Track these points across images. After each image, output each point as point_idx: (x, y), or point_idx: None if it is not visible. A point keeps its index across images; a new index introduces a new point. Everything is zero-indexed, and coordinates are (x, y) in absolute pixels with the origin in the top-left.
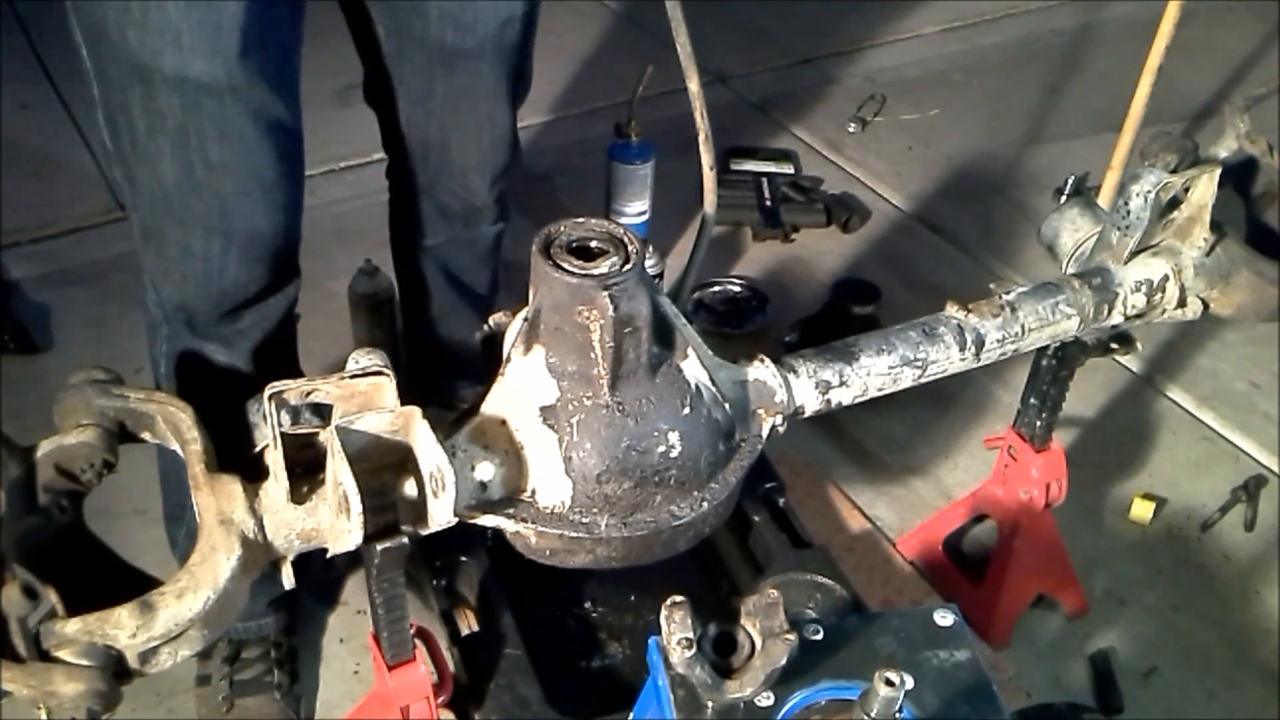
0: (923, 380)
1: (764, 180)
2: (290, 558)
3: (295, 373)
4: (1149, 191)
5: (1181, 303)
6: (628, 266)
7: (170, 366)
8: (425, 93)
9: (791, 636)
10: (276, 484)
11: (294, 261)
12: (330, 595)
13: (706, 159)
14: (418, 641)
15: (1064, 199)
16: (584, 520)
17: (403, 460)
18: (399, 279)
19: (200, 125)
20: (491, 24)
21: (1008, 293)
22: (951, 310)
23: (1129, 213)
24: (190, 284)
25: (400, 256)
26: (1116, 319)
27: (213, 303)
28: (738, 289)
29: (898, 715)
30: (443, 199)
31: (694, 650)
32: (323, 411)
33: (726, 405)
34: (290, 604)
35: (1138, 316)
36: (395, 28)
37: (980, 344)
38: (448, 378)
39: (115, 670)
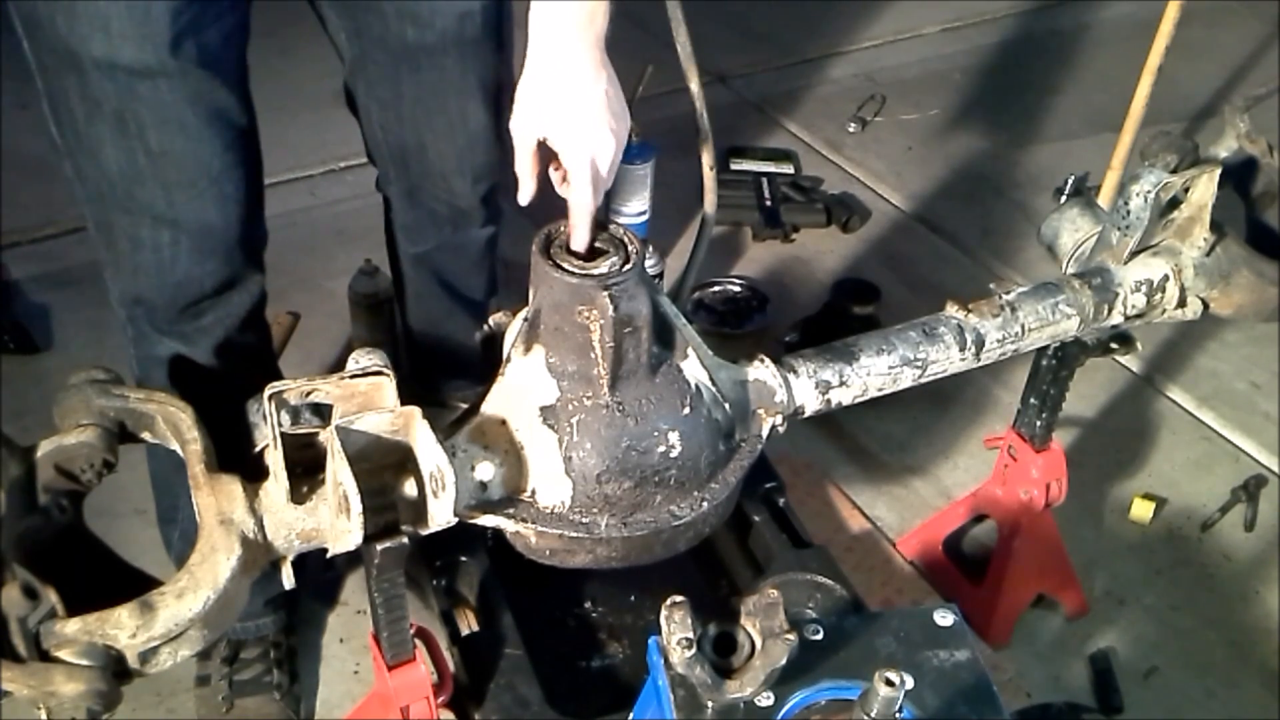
0: (923, 380)
1: (764, 180)
2: (290, 558)
3: (271, 373)
4: (1149, 191)
5: (1181, 303)
6: (628, 266)
7: (141, 367)
8: (395, 95)
9: (791, 636)
10: (276, 484)
11: (255, 258)
12: (330, 595)
13: (706, 159)
14: (418, 641)
15: (1064, 199)
16: (584, 520)
17: (403, 460)
18: (395, 285)
19: (137, 111)
20: (450, 17)
21: (1008, 293)
22: (951, 310)
23: (1129, 213)
24: (143, 276)
25: (395, 264)
26: (1116, 319)
27: (168, 296)
28: (738, 289)
29: (898, 715)
30: (429, 204)
31: (694, 650)
32: (323, 411)
33: (726, 405)
34: (290, 604)
35: (1138, 316)
36: (356, 29)
37: (980, 344)
38: (446, 379)
39: (115, 670)
